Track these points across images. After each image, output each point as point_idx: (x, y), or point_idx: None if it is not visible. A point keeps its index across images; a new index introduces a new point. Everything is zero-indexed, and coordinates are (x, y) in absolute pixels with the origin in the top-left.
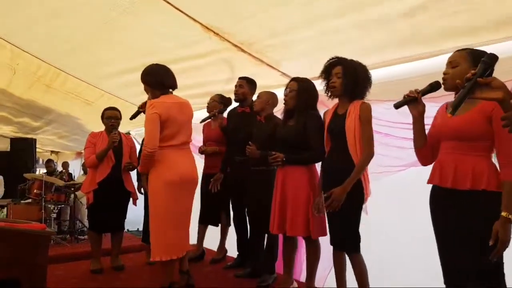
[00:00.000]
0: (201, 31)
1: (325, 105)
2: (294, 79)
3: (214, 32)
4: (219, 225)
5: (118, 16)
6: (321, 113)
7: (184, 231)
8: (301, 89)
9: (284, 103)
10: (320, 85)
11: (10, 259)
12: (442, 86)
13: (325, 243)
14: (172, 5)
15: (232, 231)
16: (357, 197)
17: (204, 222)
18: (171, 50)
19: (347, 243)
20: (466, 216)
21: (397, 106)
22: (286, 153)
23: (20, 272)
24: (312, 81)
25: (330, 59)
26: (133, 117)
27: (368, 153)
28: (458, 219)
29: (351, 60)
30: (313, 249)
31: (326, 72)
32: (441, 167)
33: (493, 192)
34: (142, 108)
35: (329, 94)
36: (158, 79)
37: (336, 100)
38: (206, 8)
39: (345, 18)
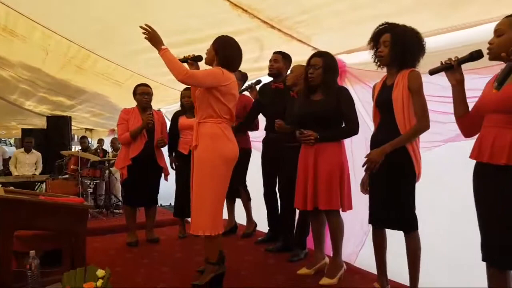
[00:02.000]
0: (229, 8)
1: (359, 79)
2: (316, 55)
3: (243, 9)
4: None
5: None
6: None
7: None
8: (326, 64)
9: (309, 80)
10: (349, 59)
11: (53, 231)
12: (487, 55)
13: (355, 219)
14: None
15: (262, 206)
16: (407, 175)
17: (230, 197)
18: (199, 28)
19: (407, 222)
20: (503, 192)
21: (432, 72)
22: (316, 129)
23: (62, 244)
24: (341, 55)
25: (379, 26)
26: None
27: (422, 124)
28: (495, 194)
29: (403, 26)
30: (338, 223)
31: (375, 40)
32: (480, 141)
33: None
34: (190, 60)
35: (377, 63)
36: (230, 57)
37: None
38: None
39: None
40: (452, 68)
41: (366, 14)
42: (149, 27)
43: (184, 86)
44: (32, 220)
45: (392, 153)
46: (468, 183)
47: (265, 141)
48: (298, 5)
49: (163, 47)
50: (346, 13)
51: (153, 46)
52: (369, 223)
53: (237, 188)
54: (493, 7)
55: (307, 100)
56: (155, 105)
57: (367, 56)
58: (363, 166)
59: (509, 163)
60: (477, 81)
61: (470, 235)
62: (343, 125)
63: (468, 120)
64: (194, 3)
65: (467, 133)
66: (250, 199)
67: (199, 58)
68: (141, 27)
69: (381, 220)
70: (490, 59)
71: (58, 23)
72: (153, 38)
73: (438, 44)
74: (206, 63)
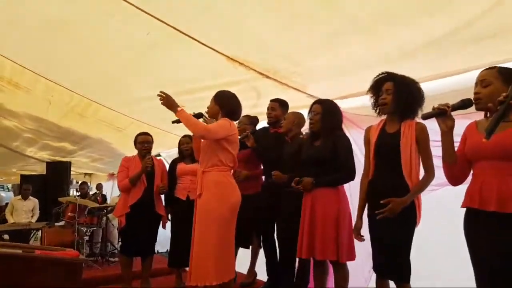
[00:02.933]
0: (226, 62)
1: (355, 124)
2: (317, 102)
3: (239, 63)
4: (250, 247)
5: (147, 51)
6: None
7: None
8: (325, 111)
9: (310, 126)
10: (344, 104)
11: (45, 287)
12: (474, 105)
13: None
14: (197, 40)
15: (261, 254)
16: (409, 221)
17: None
18: (197, 79)
19: (398, 272)
20: (509, 240)
21: (425, 117)
22: (313, 174)
23: None
24: (336, 100)
25: (380, 74)
26: (178, 121)
27: (432, 176)
28: (502, 243)
29: (403, 76)
30: (341, 273)
31: (375, 88)
32: (481, 189)
33: None
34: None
35: (378, 110)
36: (234, 108)
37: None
38: (230, 41)
39: (370, 49)
40: (445, 114)
41: (357, 65)
42: (164, 93)
43: (184, 133)
44: (25, 276)
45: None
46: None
47: (264, 186)
48: (291, 60)
49: (178, 108)
50: (338, 65)
51: (168, 108)
52: (374, 271)
53: (249, 236)
54: (476, 55)
55: (310, 145)
56: (154, 149)
57: (361, 101)
58: (377, 213)
59: None
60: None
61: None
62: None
63: (457, 168)
64: (192, 55)
65: (455, 182)
66: (260, 247)
67: (200, 115)
68: (158, 94)
69: (381, 269)
70: (478, 109)
71: (60, 75)
72: (169, 102)
73: (428, 90)
74: (211, 116)
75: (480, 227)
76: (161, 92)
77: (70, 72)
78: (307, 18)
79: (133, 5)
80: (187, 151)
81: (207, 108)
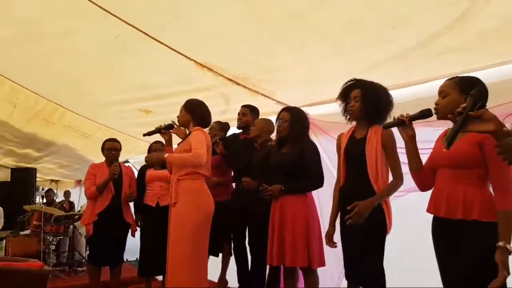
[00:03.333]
0: (195, 68)
1: (324, 131)
2: (285, 109)
3: (208, 68)
4: (219, 255)
5: (114, 54)
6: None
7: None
8: (293, 119)
9: (277, 133)
10: (312, 111)
11: None
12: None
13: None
14: (166, 45)
15: (232, 262)
16: (379, 227)
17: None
18: (166, 85)
19: (372, 279)
20: (459, 247)
21: (385, 126)
22: (282, 181)
23: None
24: (304, 107)
25: (348, 81)
26: (149, 134)
27: (400, 181)
28: (452, 249)
29: (371, 83)
30: (311, 279)
31: (344, 95)
32: (435, 196)
33: (485, 223)
34: (163, 129)
35: (347, 117)
36: (205, 116)
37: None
38: (199, 46)
39: (338, 59)
40: (404, 124)
41: (324, 75)
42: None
43: (155, 139)
44: None
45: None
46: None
47: (234, 193)
48: (260, 66)
49: (165, 156)
50: (306, 73)
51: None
52: (345, 278)
53: (219, 244)
54: (440, 66)
55: (277, 151)
56: (122, 156)
57: (330, 108)
58: (346, 219)
59: (464, 217)
60: (431, 133)
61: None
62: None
63: (422, 174)
64: (160, 62)
65: (422, 187)
66: (231, 254)
67: (170, 126)
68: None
69: (353, 276)
70: (438, 118)
71: (27, 78)
72: (152, 160)
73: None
74: (181, 125)
75: (436, 232)
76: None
77: (36, 74)
78: (278, 26)
79: (102, 8)
80: None
81: (177, 117)
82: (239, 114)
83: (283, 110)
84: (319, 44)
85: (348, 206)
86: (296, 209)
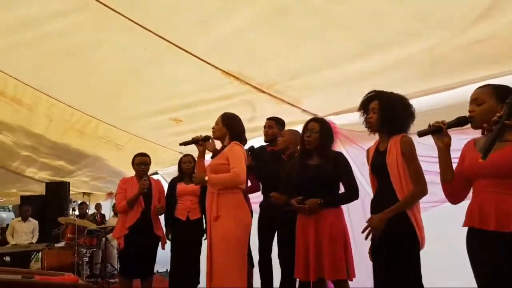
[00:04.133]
0: (221, 76)
1: (351, 140)
2: (314, 120)
3: (234, 77)
4: None
5: (143, 66)
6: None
7: None
8: (323, 130)
9: (306, 144)
10: (338, 120)
11: None
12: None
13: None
14: (192, 54)
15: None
16: (409, 243)
17: None
18: (192, 94)
19: None
20: (506, 259)
21: (421, 134)
22: (317, 194)
23: None
24: (330, 116)
25: (368, 93)
26: (186, 144)
27: (419, 189)
28: (502, 262)
29: (390, 93)
30: None
31: (364, 107)
32: (480, 208)
33: None
34: (200, 141)
35: (369, 129)
36: (242, 130)
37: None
38: (225, 55)
39: (364, 57)
40: (441, 131)
41: (352, 80)
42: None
43: (186, 151)
44: None
45: (392, 223)
46: None
47: (262, 204)
48: (286, 72)
49: (206, 178)
50: (332, 77)
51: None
52: None
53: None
54: (469, 70)
55: (303, 164)
56: (153, 167)
57: (356, 117)
58: (362, 232)
59: None
60: (463, 142)
61: None
62: (342, 191)
63: (454, 186)
64: (187, 71)
65: (454, 200)
66: (253, 266)
67: (207, 138)
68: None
69: None
70: (474, 127)
71: (62, 93)
72: (196, 182)
73: (422, 105)
74: (216, 138)
75: (481, 246)
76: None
77: (70, 88)
78: (303, 32)
79: (129, 19)
80: (187, 170)
81: (213, 129)
82: (265, 126)
83: (311, 120)
84: (346, 48)
85: None
86: (333, 222)
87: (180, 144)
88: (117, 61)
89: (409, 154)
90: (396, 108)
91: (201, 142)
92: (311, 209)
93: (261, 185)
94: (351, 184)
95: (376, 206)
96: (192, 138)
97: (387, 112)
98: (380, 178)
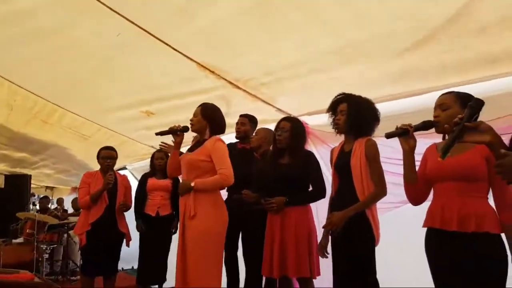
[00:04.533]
0: (196, 69)
1: (323, 141)
2: (285, 119)
3: (210, 70)
4: None
5: (116, 54)
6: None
7: None
8: (294, 129)
9: (277, 143)
10: (311, 120)
11: None
12: (434, 127)
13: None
14: (168, 44)
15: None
16: (365, 239)
17: None
18: (167, 87)
19: None
20: (470, 259)
21: (388, 135)
22: (284, 193)
23: None
24: (303, 116)
25: (337, 96)
26: (162, 133)
27: (380, 191)
28: (461, 262)
29: (358, 97)
30: None
31: (333, 109)
32: (442, 210)
33: (495, 235)
34: (179, 131)
35: (335, 130)
36: (223, 123)
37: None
38: (201, 47)
39: (339, 56)
40: (407, 134)
41: (325, 78)
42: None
43: (155, 147)
44: None
45: (352, 221)
46: None
47: (227, 202)
48: (261, 67)
49: (192, 184)
50: (307, 75)
51: (185, 188)
52: None
53: None
54: (439, 77)
55: (274, 163)
56: (121, 160)
57: (327, 118)
58: (323, 227)
59: (477, 230)
60: (422, 146)
61: None
62: (310, 189)
63: (417, 187)
64: (162, 62)
65: (415, 201)
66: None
67: (186, 129)
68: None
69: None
70: (438, 132)
71: (25, 79)
72: (182, 191)
73: (391, 109)
74: (195, 131)
75: (441, 247)
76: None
77: (35, 74)
78: (283, 27)
79: (104, 4)
80: (159, 166)
81: (191, 121)
82: (237, 123)
83: (283, 119)
84: (325, 48)
85: None
86: (298, 220)
87: (157, 134)
88: (87, 47)
89: (373, 157)
90: (363, 111)
91: (179, 133)
92: (278, 207)
93: None
94: (318, 184)
95: (336, 204)
96: (170, 128)
97: (355, 115)
98: (342, 178)
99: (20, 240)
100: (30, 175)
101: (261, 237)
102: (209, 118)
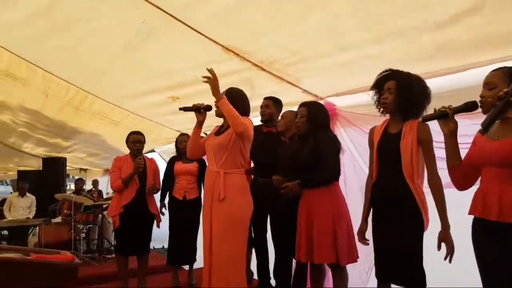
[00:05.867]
0: (221, 52)
1: (352, 122)
2: (303, 105)
3: (234, 53)
4: None
5: (142, 41)
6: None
7: None
8: (310, 114)
9: (297, 130)
10: (339, 101)
11: None
12: (480, 108)
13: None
14: (192, 28)
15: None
16: (416, 226)
17: None
18: (192, 70)
19: (413, 279)
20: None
21: (425, 119)
22: (297, 177)
23: None
24: (331, 97)
25: (383, 72)
26: (186, 109)
27: (439, 179)
28: (504, 254)
29: (408, 74)
30: (340, 276)
31: (378, 86)
32: (483, 197)
33: None
34: (202, 109)
35: (381, 110)
36: (247, 108)
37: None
38: (225, 30)
39: (367, 33)
40: (447, 117)
41: (353, 56)
42: (213, 73)
43: (181, 128)
44: (20, 280)
45: (399, 203)
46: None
47: (254, 185)
48: (287, 48)
49: (222, 96)
50: (333, 54)
51: (212, 92)
52: (376, 276)
53: None
54: (479, 52)
55: (296, 147)
56: (148, 145)
57: (357, 99)
58: (446, 259)
59: None
60: (469, 127)
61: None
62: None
63: (461, 171)
64: (186, 46)
65: (461, 185)
66: (252, 245)
67: (209, 108)
68: (207, 71)
69: (387, 274)
70: (484, 112)
71: (57, 67)
72: (215, 85)
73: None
74: (219, 116)
75: (483, 235)
76: (209, 70)
77: (67, 63)
78: (306, 5)
79: None
80: (183, 149)
81: (216, 106)
82: (261, 106)
83: (301, 105)
84: (351, 27)
85: (382, 203)
86: (321, 204)
87: (180, 109)
88: (113, 35)
89: (427, 142)
90: (415, 90)
91: (202, 110)
92: (293, 190)
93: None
94: (329, 164)
95: (380, 188)
96: (193, 105)
97: (405, 94)
98: (387, 162)
99: (58, 219)
100: (65, 158)
101: (290, 221)
102: (235, 103)
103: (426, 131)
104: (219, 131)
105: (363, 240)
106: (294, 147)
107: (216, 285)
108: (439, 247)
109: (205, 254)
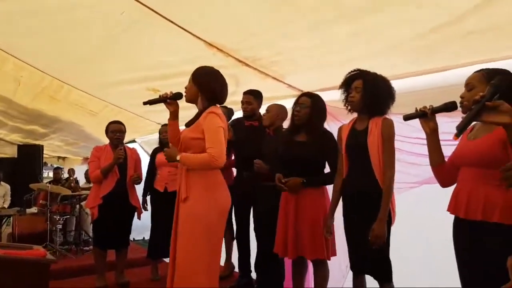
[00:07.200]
0: (204, 48)
1: (335, 117)
2: (306, 95)
3: (218, 49)
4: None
5: (122, 32)
6: (335, 128)
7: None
8: (314, 106)
9: (295, 119)
10: (324, 96)
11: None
12: (459, 108)
13: (334, 261)
14: (175, 24)
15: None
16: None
17: None
18: (174, 64)
19: (380, 271)
20: (478, 249)
21: (406, 118)
22: (300, 173)
23: None
24: (316, 92)
25: (351, 72)
26: (151, 102)
27: (393, 173)
28: (472, 250)
29: (374, 74)
30: (322, 272)
31: (346, 85)
32: (456, 195)
33: (507, 225)
34: (169, 99)
35: (348, 107)
36: (218, 89)
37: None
38: (209, 26)
39: (354, 36)
40: (426, 116)
41: (339, 58)
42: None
43: (161, 120)
44: None
45: (366, 199)
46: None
47: (237, 179)
48: (272, 48)
49: (178, 157)
50: (320, 56)
51: (171, 157)
52: (351, 269)
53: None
54: (462, 53)
55: (290, 140)
56: (129, 135)
57: (341, 95)
58: (371, 240)
59: (485, 219)
60: (449, 125)
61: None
62: (327, 171)
63: (444, 170)
64: (169, 41)
65: (443, 183)
66: (233, 239)
67: (178, 95)
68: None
69: (358, 266)
70: (464, 112)
71: (31, 55)
72: (170, 155)
73: (411, 85)
74: (188, 101)
75: (457, 232)
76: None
77: (41, 52)
78: (291, 5)
79: None
80: (165, 140)
81: (185, 88)
82: (243, 102)
83: (304, 94)
84: (335, 23)
85: (352, 199)
86: (314, 202)
87: (144, 103)
88: (91, 26)
89: (389, 137)
90: (380, 89)
91: (169, 100)
92: (293, 188)
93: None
94: (334, 165)
95: (350, 184)
96: (160, 96)
97: (371, 93)
98: (355, 157)
99: (33, 210)
100: (43, 145)
101: (273, 214)
102: (200, 85)
103: (389, 126)
104: (190, 121)
105: (329, 234)
106: (283, 139)
107: (177, 284)
108: (371, 238)
109: (171, 250)
